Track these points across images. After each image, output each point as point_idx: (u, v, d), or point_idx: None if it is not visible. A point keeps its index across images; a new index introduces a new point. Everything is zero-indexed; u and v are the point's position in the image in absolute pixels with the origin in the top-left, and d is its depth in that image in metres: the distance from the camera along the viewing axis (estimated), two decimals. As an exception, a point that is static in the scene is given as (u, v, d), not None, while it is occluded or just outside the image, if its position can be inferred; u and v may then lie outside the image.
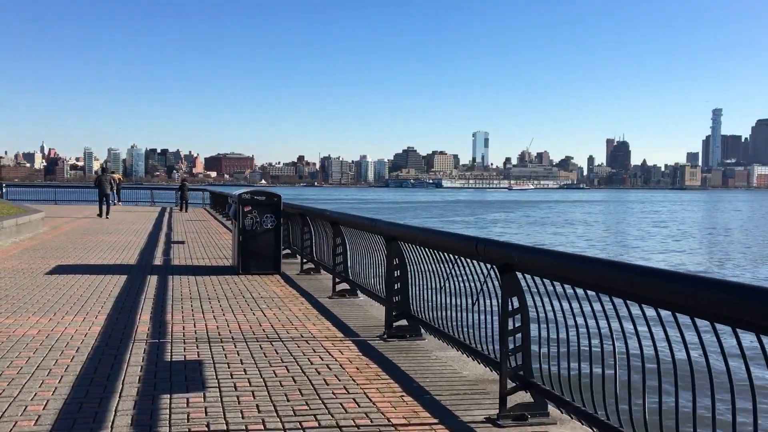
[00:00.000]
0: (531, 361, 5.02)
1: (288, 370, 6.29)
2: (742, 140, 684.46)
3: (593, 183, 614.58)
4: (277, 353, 6.92)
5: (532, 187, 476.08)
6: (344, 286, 10.62)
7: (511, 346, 5.00)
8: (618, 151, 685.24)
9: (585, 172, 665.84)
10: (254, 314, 9.07)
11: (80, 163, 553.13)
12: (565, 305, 4.50)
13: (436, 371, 6.32)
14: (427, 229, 7.19)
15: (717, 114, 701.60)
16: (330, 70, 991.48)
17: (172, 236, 22.71)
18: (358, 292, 10.24)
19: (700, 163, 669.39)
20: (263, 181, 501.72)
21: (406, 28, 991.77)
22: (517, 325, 4.98)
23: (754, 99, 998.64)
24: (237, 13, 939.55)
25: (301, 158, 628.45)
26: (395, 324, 7.71)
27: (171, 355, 6.81)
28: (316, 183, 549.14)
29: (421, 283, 7.26)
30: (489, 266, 5.47)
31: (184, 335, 7.75)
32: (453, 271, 6.34)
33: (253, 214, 13.09)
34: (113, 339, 7.48)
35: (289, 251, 15.86)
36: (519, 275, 4.94)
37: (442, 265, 6.60)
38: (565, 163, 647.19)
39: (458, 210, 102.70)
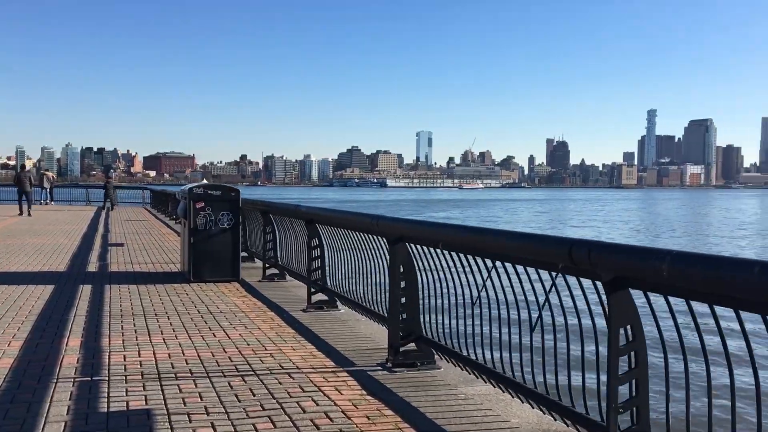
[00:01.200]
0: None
1: (274, 424, 4.56)
2: (676, 140, 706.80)
3: (534, 182, 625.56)
4: (254, 395, 5.18)
5: (481, 186, 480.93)
6: (321, 296, 8.93)
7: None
8: (558, 151, 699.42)
9: (526, 172, 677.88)
10: (215, 335, 7.27)
11: (12, 162, 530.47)
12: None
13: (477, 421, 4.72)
14: (421, 222, 6.07)
15: (652, 115, 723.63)
16: (273, 68, 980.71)
17: (109, 238, 20.48)
18: (338, 303, 8.63)
19: (636, 163, 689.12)
20: (204, 181, 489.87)
21: (349, 27, 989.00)
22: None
23: (687, 100, 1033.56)
24: (173, 10, 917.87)
25: (243, 157, 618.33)
26: (403, 348, 6.06)
27: (108, 402, 4.99)
28: (259, 182, 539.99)
29: (432, 294, 5.75)
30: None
31: (126, 369, 5.91)
32: (487, 281, 4.81)
33: (206, 212, 11.19)
34: (28, 377, 5.59)
35: (246, 254, 14.00)
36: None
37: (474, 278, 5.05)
38: (507, 163, 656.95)
39: (421, 208, 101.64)
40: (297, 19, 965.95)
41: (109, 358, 6.26)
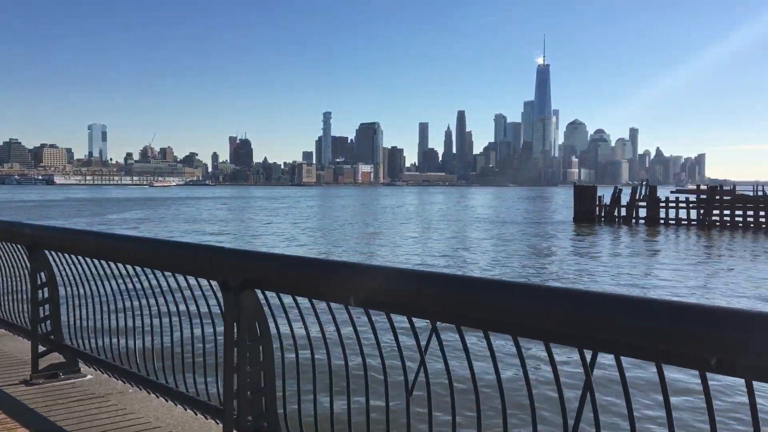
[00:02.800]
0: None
1: None
2: (349, 141, 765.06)
3: (219, 180, 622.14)
4: None
5: (174, 184, 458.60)
6: (57, 357, 6.26)
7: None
8: (241, 149, 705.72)
9: (210, 169, 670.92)
10: None
11: None
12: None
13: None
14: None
15: (327, 117, 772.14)
16: None
17: None
18: (82, 364, 6.19)
19: (314, 162, 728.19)
20: None
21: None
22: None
23: (357, 104, 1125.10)
24: None
25: None
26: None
27: None
28: None
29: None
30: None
31: None
32: None
33: None
34: None
35: None
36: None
37: None
38: (190, 160, 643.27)
39: (102, 210, 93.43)
40: None
41: None
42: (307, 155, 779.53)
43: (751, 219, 55.86)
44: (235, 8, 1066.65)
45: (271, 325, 3.97)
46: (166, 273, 4.60)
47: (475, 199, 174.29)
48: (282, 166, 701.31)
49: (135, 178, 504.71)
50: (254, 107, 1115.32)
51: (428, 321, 2.86)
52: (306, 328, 3.68)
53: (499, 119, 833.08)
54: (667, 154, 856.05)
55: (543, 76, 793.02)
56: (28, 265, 5.95)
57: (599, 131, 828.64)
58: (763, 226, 55.02)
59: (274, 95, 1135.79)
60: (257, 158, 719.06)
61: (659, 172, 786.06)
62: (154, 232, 53.95)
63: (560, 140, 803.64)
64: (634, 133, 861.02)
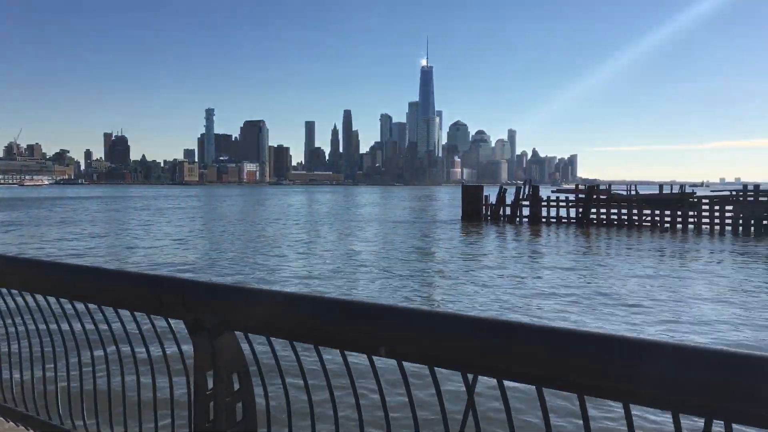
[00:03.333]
0: None
1: None
2: (233, 139, 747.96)
3: (93, 178, 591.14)
4: None
5: (47, 183, 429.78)
6: None
7: None
8: (117, 146, 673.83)
9: (83, 167, 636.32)
10: None
11: None
12: None
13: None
14: None
15: (210, 114, 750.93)
16: None
17: None
18: None
19: (197, 160, 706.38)
20: None
21: None
22: None
23: (242, 101, 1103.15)
24: None
25: None
26: None
27: None
28: None
29: None
30: None
31: None
32: None
33: None
34: None
35: None
36: None
37: None
38: (61, 158, 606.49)
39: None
40: None
41: None
42: (188, 153, 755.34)
43: (626, 217, 59.31)
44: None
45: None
46: (106, 308, 3.71)
47: (364, 199, 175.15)
48: (162, 165, 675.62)
49: (26, 177, 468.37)
50: (131, 102, 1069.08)
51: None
52: (305, 382, 3.06)
53: (385, 119, 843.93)
54: (542, 154, 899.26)
55: (426, 77, 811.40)
56: None
57: (480, 132, 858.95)
58: (636, 223, 58.50)
59: (153, 90, 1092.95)
60: (135, 156, 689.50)
61: (536, 172, 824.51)
62: (24, 237, 49.88)
63: (444, 140, 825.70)
64: (512, 134, 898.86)
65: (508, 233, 54.05)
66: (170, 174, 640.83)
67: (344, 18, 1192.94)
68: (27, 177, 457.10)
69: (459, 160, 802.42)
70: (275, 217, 79.20)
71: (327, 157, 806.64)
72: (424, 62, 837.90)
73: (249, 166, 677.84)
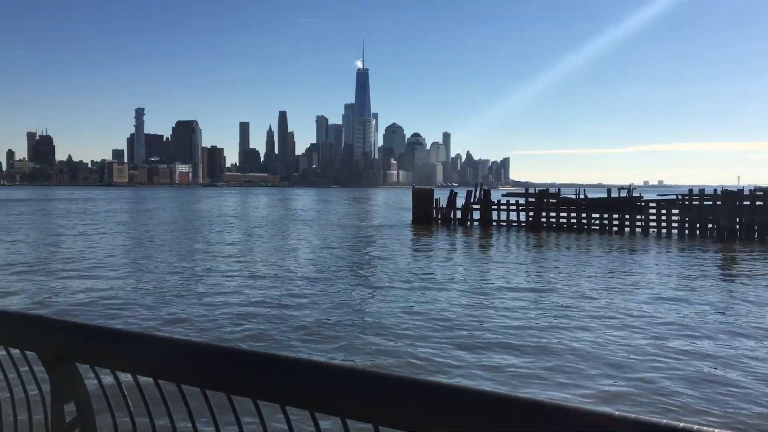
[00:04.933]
0: None
1: None
2: (165, 139, 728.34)
3: (15, 179, 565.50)
4: None
5: None
6: None
7: None
8: (41, 146, 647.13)
9: (5, 168, 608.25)
10: None
11: None
12: None
13: None
14: None
15: (140, 113, 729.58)
16: None
17: None
18: None
19: (126, 161, 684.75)
20: None
21: None
22: None
23: (173, 101, 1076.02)
24: None
25: None
26: None
27: None
28: None
29: None
30: None
31: None
32: None
33: None
34: None
35: None
36: None
37: None
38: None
39: None
40: None
41: None
42: (117, 153, 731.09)
43: (575, 220, 59.67)
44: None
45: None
46: None
47: (301, 201, 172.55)
48: (90, 165, 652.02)
49: None
50: (56, 100, 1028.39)
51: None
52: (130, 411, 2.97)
53: (321, 121, 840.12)
54: (476, 157, 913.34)
55: (362, 79, 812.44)
56: None
57: (416, 135, 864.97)
58: (585, 226, 58.96)
59: (80, 88, 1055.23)
60: (61, 156, 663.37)
61: (469, 174, 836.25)
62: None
63: (380, 143, 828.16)
64: (447, 137, 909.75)
65: (458, 236, 53.62)
66: (98, 175, 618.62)
67: (280, 17, 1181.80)
68: None
69: (395, 162, 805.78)
70: (208, 221, 76.46)
71: (262, 159, 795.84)
72: (360, 64, 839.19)
73: (181, 168, 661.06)
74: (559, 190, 65.04)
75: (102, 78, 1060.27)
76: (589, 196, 63.19)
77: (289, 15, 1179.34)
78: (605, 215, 58.70)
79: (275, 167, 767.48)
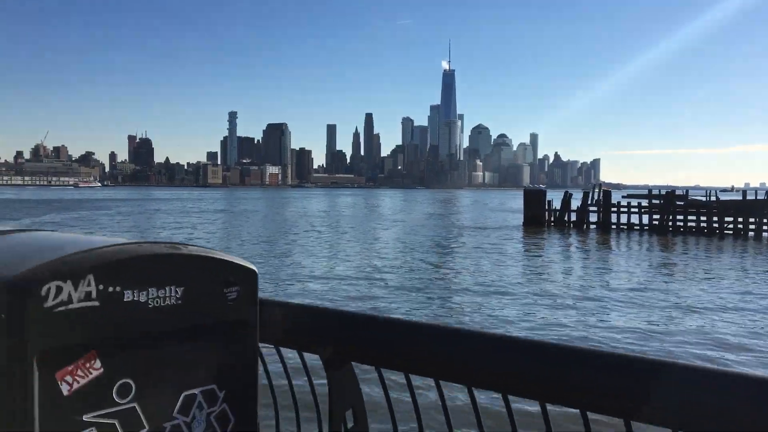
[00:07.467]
0: None
1: None
2: (256, 142, 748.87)
3: (117, 180, 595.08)
4: None
5: (98, 184, 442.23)
6: None
7: None
8: (141, 149, 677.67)
9: (107, 169, 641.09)
10: None
11: None
12: None
13: None
14: None
15: (233, 117, 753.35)
16: None
17: None
18: None
19: (219, 162, 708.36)
20: None
21: None
22: None
23: (264, 104, 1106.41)
24: None
25: None
26: None
27: None
28: None
29: None
30: None
31: None
32: None
33: None
34: None
35: None
36: None
37: None
38: (86, 159, 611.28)
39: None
40: None
41: None
42: (211, 156, 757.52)
43: (705, 224, 55.51)
44: (132, 1, 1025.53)
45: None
46: None
47: (389, 202, 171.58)
48: (186, 167, 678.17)
49: (27, 178, 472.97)
50: (155, 105, 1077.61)
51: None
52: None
53: (407, 122, 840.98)
54: (564, 158, 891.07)
55: (448, 80, 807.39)
56: None
57: (502, 136, 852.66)
58: (717, 231, 54.66)
59: (176, 93, 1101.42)
60: (159, 158, 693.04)
61: (557, 176, 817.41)
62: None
63: (465, 144, 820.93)
64: (534, 138, 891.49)
65: (574, 241, 50.62)
66: (194, 176, 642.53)
67: (366, 21, 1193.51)
68: (81, 179, 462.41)
69: (480, 163, 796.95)
70: (310, 224, 76.18)
71: (348, 160, 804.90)
72: (446, 65, 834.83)
73: (271, 169, 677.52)
74: (687, 191, 60.84)
75: (198, 83, 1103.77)
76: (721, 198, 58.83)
77: (377, 18, 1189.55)
78: (740, 218, 54.27)
79: (361, 168, 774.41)
